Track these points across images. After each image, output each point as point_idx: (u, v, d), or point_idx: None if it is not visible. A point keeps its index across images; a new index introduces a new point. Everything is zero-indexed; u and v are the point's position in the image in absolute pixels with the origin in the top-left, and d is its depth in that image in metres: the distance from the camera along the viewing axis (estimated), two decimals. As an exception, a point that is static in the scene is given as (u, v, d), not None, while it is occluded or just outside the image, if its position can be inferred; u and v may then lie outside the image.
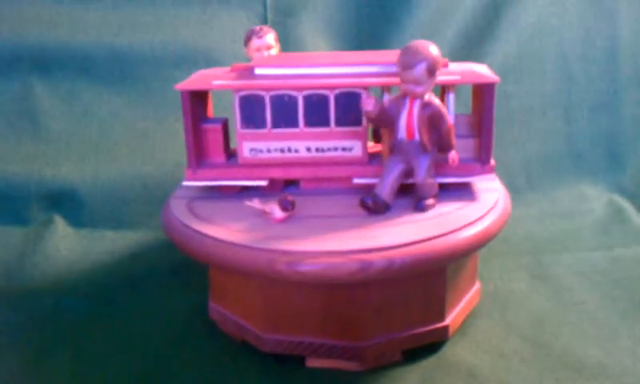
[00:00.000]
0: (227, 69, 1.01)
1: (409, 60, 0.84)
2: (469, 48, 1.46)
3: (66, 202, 1.35)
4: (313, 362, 0.89)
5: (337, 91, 0.94)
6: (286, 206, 0.89)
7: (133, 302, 1.08)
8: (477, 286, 1.02)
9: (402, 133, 0.89)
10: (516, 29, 1.47)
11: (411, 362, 0.90)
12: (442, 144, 0.90)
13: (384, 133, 0.97)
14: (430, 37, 1.41)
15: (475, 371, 0.88)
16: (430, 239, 0.83)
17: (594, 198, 1.40)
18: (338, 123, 0.96)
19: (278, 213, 0.89)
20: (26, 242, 1.28)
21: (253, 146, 0.97)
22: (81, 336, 0.99)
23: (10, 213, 1.34)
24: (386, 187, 0.90)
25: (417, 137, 0.89)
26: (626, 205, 1.36)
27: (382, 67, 0.95)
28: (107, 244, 1.28)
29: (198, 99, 0.99)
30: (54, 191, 1.36)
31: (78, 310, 1.07)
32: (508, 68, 1.47)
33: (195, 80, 0.95)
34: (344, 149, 0.97)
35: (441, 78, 0.92)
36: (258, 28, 1.10)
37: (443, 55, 0.90)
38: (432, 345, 0.92)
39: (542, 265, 1.15)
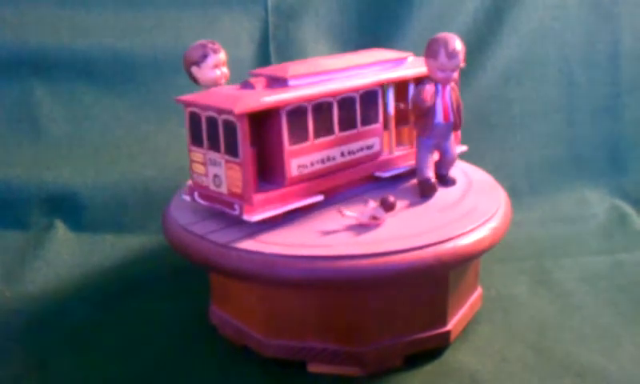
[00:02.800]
0: (236, 85, 0.93)
1: (452, 49, 0.93)
2: (470, 52, 1.45)
3: (66, 206, 1.35)
4: (314, 368, 0.89)
5: (361, 92, 0.95)
6: (391, 207, 0.89)
7: (134, 306, 1.08)
8: (479, 291, 1.02)
9: (440, 117, 0.97)
10: (518, 33, 1.47)
11: (413, 368, 0.90)
12: (456, 122, 0.99)
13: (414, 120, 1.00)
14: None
15: (477, 377, 0.88)
16: (431, 245, 0.83)
17: (596, 203, 1.39)
18: (363, 123, 0.96)
19: (384, 216, 0.89)
20: (27, 247, 1.27)
21: (300, 161, 0.90)
22: (82, 340, 0.99)
23: (10, 217, 1.33)
24: (432, 170, 0.98)
25: (451, 119, 0.97)
26: (629, 209, 1.36)
27: (389, 64, 1.01)
28: (108, 248, 1.28)
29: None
30: (55, 195, 1.36)
31: (78, 314, 1.07)
32: (510, 72, 1.47)
33: (240, 101, 0.83)
34: (368, 147, 0.98)
35: (413, 71, 1.01)
36: (209, 43, 1.01)
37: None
38: (434, 350, 0.92)
39: (544, 270, 1.15)
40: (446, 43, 0.92)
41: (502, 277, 1.12)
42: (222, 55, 1.01)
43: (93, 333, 1.01)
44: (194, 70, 0.99)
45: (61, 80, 1.42)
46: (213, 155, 0.87)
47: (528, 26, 1.47)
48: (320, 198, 0.93)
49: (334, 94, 0.92)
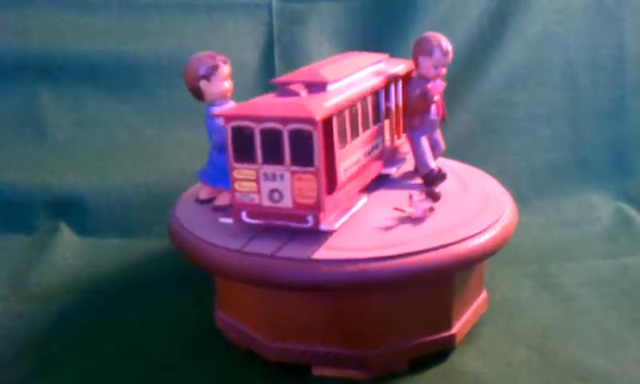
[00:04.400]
0: (271, 94, 0.89)
1: (446, 46, 0.99)
2: (475, 56, 1.46)
3: (71, 210, 1.35)
4: (319, 371, 0.89)
5: (373, 92, 0.96)
6: (438, 197, 0.95)
7: (138, 310, 1.08)
8: (483, 294, 1.02)
9: (434, 112, 1.03)
10: (522, 37, 1.47)
11: (418, 371, 0.90)
12: (444, 116, 1.06)
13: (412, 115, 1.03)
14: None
15: (482, 380, 0.87)
16: (436, 248, 0.83)
17: (601, 206, 1.39)
18: (374, 123, 0.98)
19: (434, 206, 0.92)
20: (32, 250, 1.27)
21: (344, 165, 0.89)
22: (87, 344, 0.99)
23: (15, 221, 1.34)
24: (433, 160, 1.03)
25: (441, 112, 1.04)
26: (633, 213, 1.36)
27: (380, 63, 1.05)
28: (113, 252, 1.28)
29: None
30: (60, 199, 1.36)
31: (83, 317, 1.07)
32: (514, 76, 1.47)
33: (313, 108, 0.81)
34: (377, 146, 0.99)
35: (399, 68, 1.05)
36: (216, 54, 0.96)
37: (449, 63, 0.99)
38: (439, 353, 0.92)
39: (549, 273, 1.15)
40: (439, 41, 0.99)
41: (506, 280, 1.12)
42: (228, 66, 0.97)
43: (97, 336, 1.01)
44: (203, 84, 0.94)
45: (65, 84, 1.43)
46: (271, 169, 0.83)
47: (532, 29, 1.47)
48: (365, 199, 0.94)
49: (364, 96, 0.93)
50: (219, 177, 0.95)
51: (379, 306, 0.86)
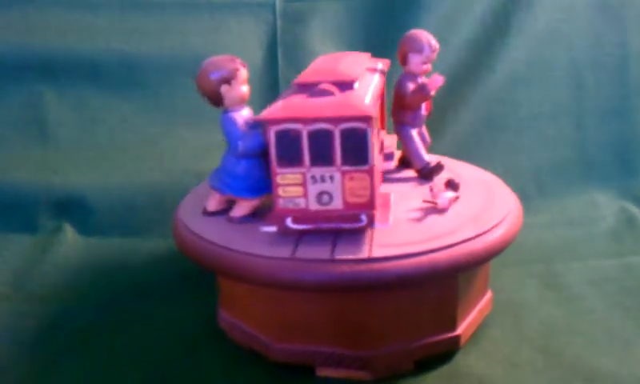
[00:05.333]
0: (302, 95, 0.86)
1: (434, 43, 1.03)
2: (478, 55, 1.46)
3: (74, 210, 1.36)
4: (323, 372, 0.89)
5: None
6: (457, 187, 0.95)
7: (141, 309, 1.08)
8: (488, 295, 1.01)
9: (424, 107, 1.06)
10: (525, 36, 1.46)
11: (422, 372, 0.89)
12: (430, 111, 1.10)
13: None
14: (440, 44, 1.41)
15: (486, 381, 0.87)
16: (441, 249, 0.82)
17: (605, 206, 1.39)
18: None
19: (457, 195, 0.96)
20: (35, 250, 1.28)
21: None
22: (89, 343, 0.99)
23: (18, 220, 1.34)
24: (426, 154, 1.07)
25: (430, 108, 1.08)
26: (638, 212, 1.35)
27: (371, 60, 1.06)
28: (116, 251, 1.28)
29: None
30: (63, 199, 1.36)
31: (86, 317, 1.07)
32: (517, 75, 1.47)
33: (363, 106, 0.81)
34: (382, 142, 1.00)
35: (381, 67, 1.07)
36: (234, 57, 0.92)
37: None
38: (444, 354, 0.91)
39: (553, 273, 1.14)
40: (428, 39, 1.03)
41: (511, 280, 1.12)
42: (246, 70, 0.93)
43: (100, 336, 1.01)
44: (224, 88, 0.89)
45: (68, 84, 1.43)
46: (319, 171, 0.82)
47: (536, 28, 1.47)
48: (392, 194, 0.95)
49: (380, 92, 0.95)
50: (242, 186, 0.92)
51: (384, 307, 0.86)
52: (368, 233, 0.86)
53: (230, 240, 0.87)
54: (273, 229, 0.85)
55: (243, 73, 0.91)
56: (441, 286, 0.88)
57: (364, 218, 0.83)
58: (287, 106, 0.82)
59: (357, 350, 0.87)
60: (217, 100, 0.91)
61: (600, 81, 1.50)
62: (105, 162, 1.40)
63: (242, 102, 0.92)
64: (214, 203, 0.96)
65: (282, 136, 0.81)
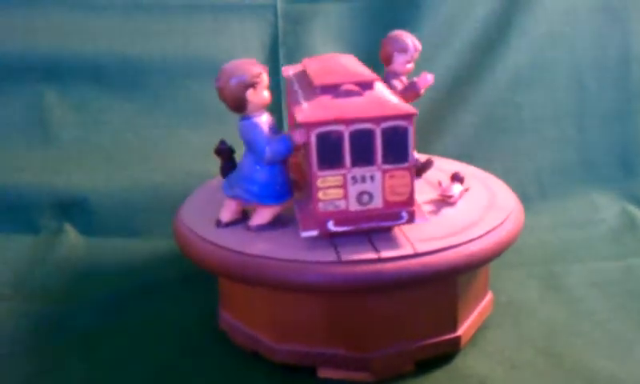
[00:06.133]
0: (326, 96, 0.86)
1: (417, 43, 1.05)
2: (480, 57, 1.46)
3: (76, 211, 1.36)
4: (324, 373, 0.89)
5: None
6: (462, 180, 0.98)
7: (143, 310, 1.08)
8: (489, 296, 1.01)
9: None
10: (527, 37, 1.46)
11: (423, 373, 0.89)
12: None
13: None
14: (441, 46, 1.42)
15: (487, 382, 0.87)
16: (441, 250, 0.82)
17: (607, 208, 1.39)
18: None
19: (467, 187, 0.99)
20: (37, 251, 1.28)
21: None
22: (91, 345, 0.99)
23: (21, 221, 1.34)
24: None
25: None
26: (639, 214, 1.35)
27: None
28: (118, 253, 1.28)
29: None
30: (65, 200, 1.36)
31: (88, 318, 1.07)
32: (519, 77, 1.47)
33: (402, 105, 0.83)
34: None
35: None
36: (254, 61, 0.90)
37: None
38: (444, 356, 0.91)
39: (554, 275, 1.14)
40: (412, 39, 1.05)
41: (512, 282, 1.12)
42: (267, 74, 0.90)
43: (101, 337, 1.01)
44: (250, 93, 0.86)
45: (71, 85, 1.43)
46: (360, 171, 0.82)
47: (538, 30, 1.47)
48: None
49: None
50: (265, 192, 0.89)
51: (384, 308, 0.86)
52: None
53: (241, 243, 0.87)
54: (314, 233, 0.84)
55: (265, 77, 0.88)
56: (441, 287, 0.88)
57: (404, 214, 0.84)
58: (326, 108, 0.82)
59: (357, 352, 0.87)
60: (240, 105, 0.87)
61: (602, 83, 1.50)
62: (107, 164, 1.40)
63: (263, 107, 0.89)
64: (228, 213, 0.93)
65: (323, 138, 0.81)
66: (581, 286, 1.11)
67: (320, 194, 0.83)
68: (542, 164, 1.45)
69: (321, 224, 0.83)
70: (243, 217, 0.93)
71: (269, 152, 0.86)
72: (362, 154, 0.82)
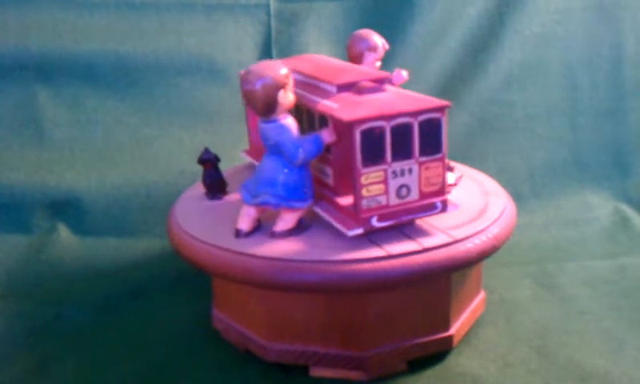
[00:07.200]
0: (348, 92, 0.87)
1: (386, 44, 1.08)
2: (473, 56, 1.46)
3: (69, 210, 1.35)
4: (317, 372, 0.89)
5: None
6: (451, 169, 1.01)
7: (136, 310, 1.08)
8: (481, 295, 1.02)
9: None
10: (520, 37, 1.46)
11: (415, 372, 0.89)
12: None
13: None
14: (434, 45, 1.42)
15: (480, 381, 0.87)
16: (434, 248, 0.82)
17: (600, 206, 1.39)
18: None
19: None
20: (30, 250, 1.27)
21: None
22: (84, 344, 0.99)
23: (13, 221, 1.33)
24: None
25: None
26: (632, 213, 1.36)
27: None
28: (111, 252, 1.28)
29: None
30: (58, 199, 1.36)
31: (81, 318, 1.07)
32: (512, 76, 1.47)
33: (433, 99, 0.85)
34: None
35: None
36: (279, 62, 0.88)
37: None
38: (437, 354, 0.92)
39: (547, 274, 1.15)
40: (380, 38, 1.07)
41: (505, 281, 1.12)
42: None
43: (95, 336, 1.01)
44: (281, 94, 0.84)
45: (63, 84, 1.42)
46: (399, 165, 0.83)
47: (531, 29, 1.47)
48: None
49: None
50: (294, 196, 0.86)
51: (377, 307, 0.86)
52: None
53: (234, 243, 0.87)
54: (359, 231, 0.84)
55: (291, 78, 0.86)
56: (434, 286, 0.88)
57: (439, 204, 0.86)
58: (364, 105, 0.83)
59: (350, 350, 0.87)
60: (271, 107, 0.84)
61: (594, 82, 1.50)
62: (100, 163, 1.40)
63: (289, 109, 0.87)
64: (248, 222, 0.89)
65: (366, 135, 0.81)
66: (574, 285, 1.11)
67: (363, 191, 0.83)
68: (535, 163, 1.46)
69: (365, 221, 0.84)
70: (260, 225, 0.91)
71: (302, 153, 0.84)
72: (401, 148, 0.83)
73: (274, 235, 0.88)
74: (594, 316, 1.02)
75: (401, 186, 0.84)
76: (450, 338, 0.91)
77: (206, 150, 1.00)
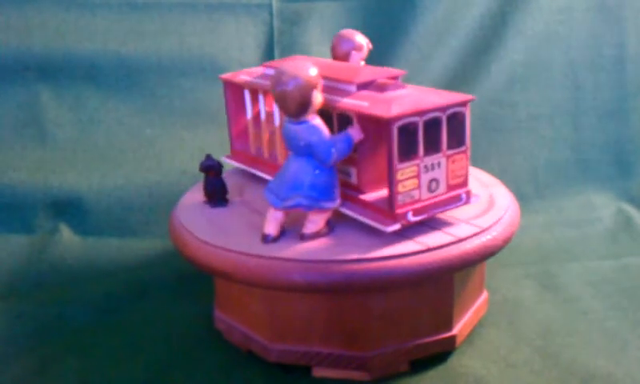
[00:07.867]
0: (368, 91, 0.88)
1: (369, 43, 1.09)
2: (475, 56, 1.46)
3: (71, 211, 1.35)
4: (319, 372, 0.89)
5: None
6: None
7: (138, 310, 1.08)
8: (484, 295, 1.01)
9: None
10: (523, 37, 1.46)
11: (418, 372, 0.89)
12: None
13: None
14: (437, 45, 1.42)
15: (483, 381, 0.87)
16: (437, 248, 0.82)
17: (603, 207, 1.39)
18: None
19: None
20: (32, 251, 1.27)
21: None
22: (86, 344, 0.99)
23: (16, 221, 1.34)
24: None
25: None
26: (635, 213, 1.36)
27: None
28: (113, 252, 1.28)
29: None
30: (60, 199, 1.36)
31: (83, 318, 1.07)
32: (515, 76, 1.47)
33: (457, 93, 0.87)
34: None
35: None
36: (309, 62, 0.86)
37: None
38: (439, 355, 0.91)
39: (550, 274, 1.14)
40: (364, 38, 1.08)
41: (507, 281, 1.12)
42: None
43: (97, 336, 1.01)
44: (314, 94, 0.82)
45: (66, 84, 1.42)
46: (430, 160, 0.84)
47: (533, 29, 1.47)
48: None
49: None
50: (325, 197, 0.85)
51: (380, 307, 0.86)
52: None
53: (237, 243, 0.87)
54: (397, 226, 0.84)
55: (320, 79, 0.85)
56: (437, 286, 0.88)
57: (464, 196, 0.88)
58: (397, 102, 0.82)
59: (353, 351, 0.87)
60: (304, 108, 0.83)
61: (597, 82, 1.50)
62: (102, 163, 1.40)
63: (318, 108, 0.85)
64: (276, 226, 0.88)
65: (403, 131, 0.81)
66: (577, 285, 1.11)
67: (399, 187, 0.83)
68: (538, 163, 1.45)
69: (402, 217, 0.84)
70: (285, 229, 0.89)
71: (335, 153, 0.83)
72: (431, 142, 0.84)
73: (304, 238, 0.87)
74: (597, 316, 1.02)
75: (431, 180, 0.85)
76: (453, 338, 0.91)
77: (209, 157, 0.99)
